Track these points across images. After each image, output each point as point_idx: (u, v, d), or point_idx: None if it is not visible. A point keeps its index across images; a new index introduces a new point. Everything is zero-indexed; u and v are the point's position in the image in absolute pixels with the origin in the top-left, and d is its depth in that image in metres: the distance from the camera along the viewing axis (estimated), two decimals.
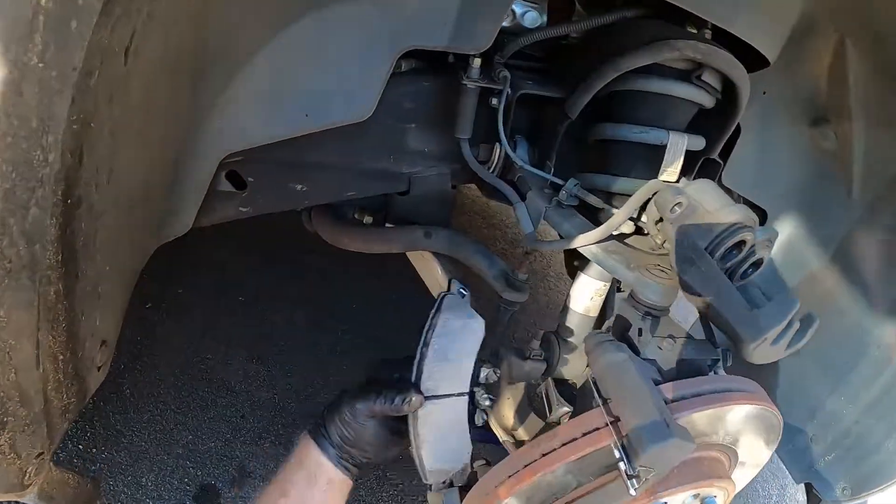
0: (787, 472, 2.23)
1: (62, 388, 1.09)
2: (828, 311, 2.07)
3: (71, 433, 2.57)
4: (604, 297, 1.82)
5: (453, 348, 1.56)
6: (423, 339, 1.55)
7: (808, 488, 2.17)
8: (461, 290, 1.71)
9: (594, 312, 1.83)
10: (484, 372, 1.72)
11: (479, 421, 1.71)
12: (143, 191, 1.24)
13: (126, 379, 2.88)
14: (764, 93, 2.02)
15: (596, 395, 1.30)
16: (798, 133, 2.12)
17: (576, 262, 1.88)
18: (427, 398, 1.50)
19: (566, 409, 1.80)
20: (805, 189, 2.19)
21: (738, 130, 2.01)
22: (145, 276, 1.48)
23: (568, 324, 1.85)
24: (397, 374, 1.60)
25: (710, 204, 1.38)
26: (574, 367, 1.84)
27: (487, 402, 1.69)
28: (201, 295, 3.41)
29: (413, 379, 1.52)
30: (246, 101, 1.35)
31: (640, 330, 1.42)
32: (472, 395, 1.63)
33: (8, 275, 0.80)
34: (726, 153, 2.07)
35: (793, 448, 2.19)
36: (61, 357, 1.03)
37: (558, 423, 1.86)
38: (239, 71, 1.31)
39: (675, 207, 1.38)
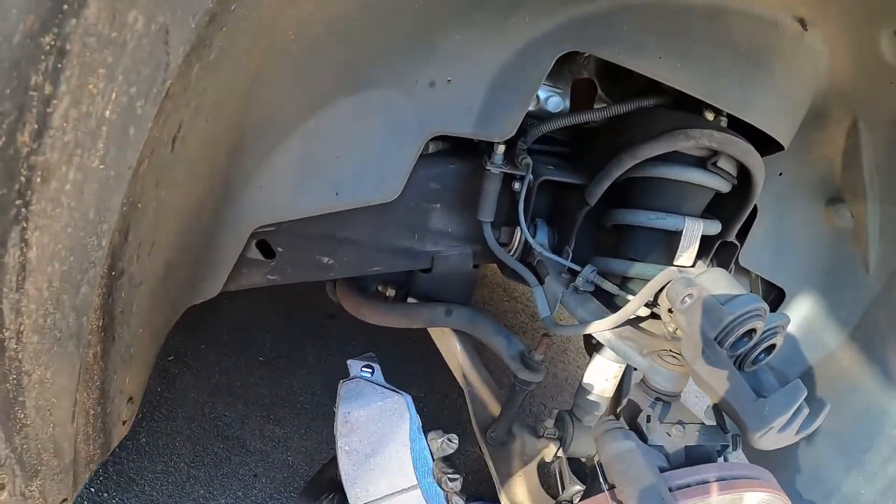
0: None
1: (90, 441, 1.13)
2: (845, 391, 2.08)
3: None
4: (619, 378, 1.85)
5: (371, 442, 1.36)
6: (336, 443, 1.36)
7: None
8: (364, 368, 1.52)
9: (609, 393, 1.86)
10: (437, 443, 1.54)
11: None
12: (179, 259, 1.30)
13: (143, 428, 2.88)
14: (780, 174, 2.07)
15: (602, 480, 1.33)
16: (814, 213, 2.16)
17: (593, 341, 1.90)
18: None
19: (578, 487, 1.82)
20: (823, 268, 2.21)
21: (755, 212, 2.05)
22: (171, 329, 1.52)
23: (582, 403, 1.87)
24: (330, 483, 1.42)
25: (720, 295, 1.41)
26: (587, 447, 1.85)
27: (453, 482, 1.46)
28: (222, 352, 3.42)
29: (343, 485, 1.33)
30: (279, 177, 1.41)
31: (648, 416, 1.45)
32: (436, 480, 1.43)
33: (57, 342, 0.85)
34: (743, 234, 2.09)
35: None
36: (92, 412, 1.08)
37: (570, 501, 1.87)
38: (274, 149, 1.38)
39: (686, 298, 1.42)
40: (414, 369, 3.78)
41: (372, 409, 1.37)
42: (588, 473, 1.81)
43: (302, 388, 3.41)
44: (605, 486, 1.33)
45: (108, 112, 0.72)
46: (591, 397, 1.84)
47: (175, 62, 0.77)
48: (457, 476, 1.41)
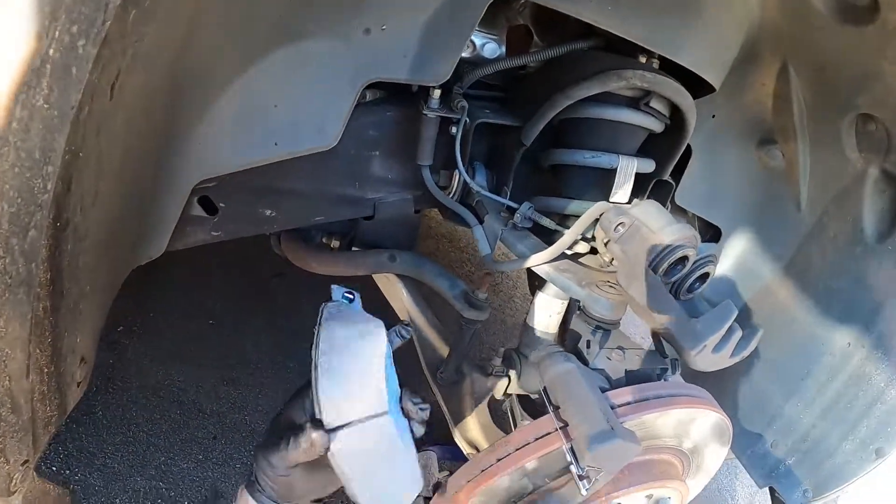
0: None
1: (46, 400, 1.14)
2: (782, 322, 2.15)
3: (45, 455, 2.57)
4: (562, 314, 1.88)
5: (349, 363, 1.29)
6: (312, 360, 1.29)
7: (772, 492, 2.21)
8: (345, 294, 1.46)
9: (553, 329, 1.88)
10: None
11: (417, 432, 1.36)
12: (122, 215, 1.30)
13: (98, 401, 2.88)
14: (713, 116, 2.11)
15: (546, 402, 1.37)
16: (747, 153, 2.22)
17: (536, 282, 1.93)
18: (333, 430, 1.23)
19: (529, 422, 1.84)
20: (756, 206, 2.29)
21: (689, 152, 2.10)
22: (117, 299, 1.51)
23: (528, 341, 1.89)
24: (301, 407, 1.35)
25: (652, 224, 1.46)
26: (535, 383, 1.86)
27: (423, 411, 1.39)
28: (172, 319, 3.42)
29: (315, 413, 1.25)
30: (218, 130, 1.42)
31: (588, 342, 1.50)
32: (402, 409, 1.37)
33: (8, 289, 0.86)
34: (678, 174, 2.15)
35: (753, 454, 2.24)
36: (46, 370, 1.09)
37: None
38: (212, 101, 1.39)
39: (619, 227, 1.46)
40: None
41: (353, 331, 1.32)
42: (538, 408, 1.84)
43: (254, 348, 3.43)
44: (549, 409, 1.37)
45: (51, 51, 0.73)
46: (535, 333, 1.87)
47: (114, 2, 0.78)
48: (426, 406, 1.38)
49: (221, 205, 1.68)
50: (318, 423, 1.22)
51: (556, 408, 1.35)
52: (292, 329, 3.61)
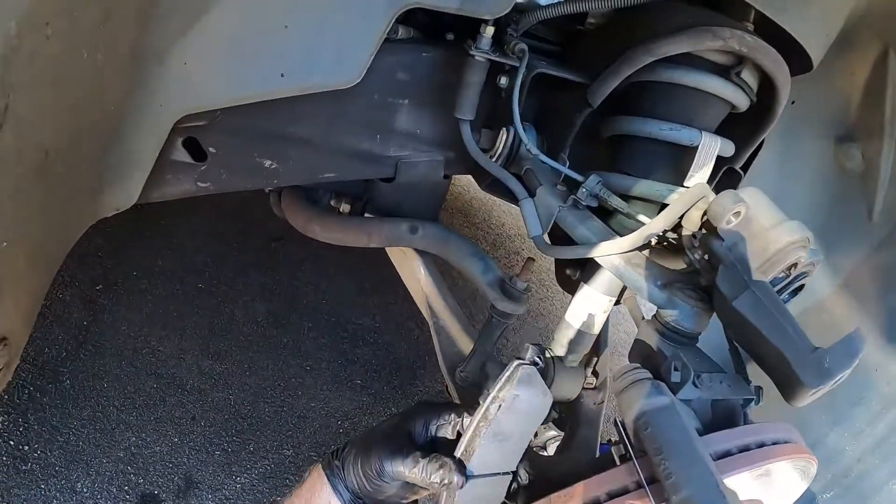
0: None
1: None
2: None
3: (2, 427, 2.39)
4: (608, 314, 1.64)
5: (515, 426, 1.30)
6: (483, 410, 1.27)
7: None
8: (537, 357, 1.39)
9: (596, 330, 1.64)
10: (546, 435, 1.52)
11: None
12: (67, 152, 1.02)
13: (67, 368, 2.65)
14: (793, 102, 1.94)
15: (627, 446, 1.08)
16: (823, 149, 2.07)
17: (569, 271, 1.70)
18: (469, 478, 1.26)
19: (553, 433, 1.72)
20: (823, 209, 2.12)
21: (761, 140, 1.87)
22: (98, 254, 1.26)
23: (565, 341, 1.65)
24: (437, 431, 1.38)
25: (765, 218, 1.20)
26: (567, 389, 1.66)
27: (526, 479, 1.41)
28: (158, 279, 3.18)
29: (458, 453, 1.27)
30: (210, 50, 1.14)
31: (675, 365, 1.19)
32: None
33: None
34: (746, 164, 1.93)
35: None
36: None
37: (544, 447, 1.82)
38: (205, 11, 1.09)
39: (731, 218, 1.17)
40: (367, 298, 3.63)
41: (534, 401, 1.30)
42: (566, 419, 1.71)
43: (245, 318, 3.21)
44: (630, 454, 1.08)
45: None
46: (575, 334, 1.62)
47: None
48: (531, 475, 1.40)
49: (211, 150, 1.40)
50: (461, 465, 1.24)
51: (641, 454, 1.06)
52: (289, 300, 3.43)
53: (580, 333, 1.62)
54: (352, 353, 3.30)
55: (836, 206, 2.07)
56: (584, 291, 1.59)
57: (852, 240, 2.03)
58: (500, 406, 1.24)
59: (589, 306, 1.59)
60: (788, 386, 1.10)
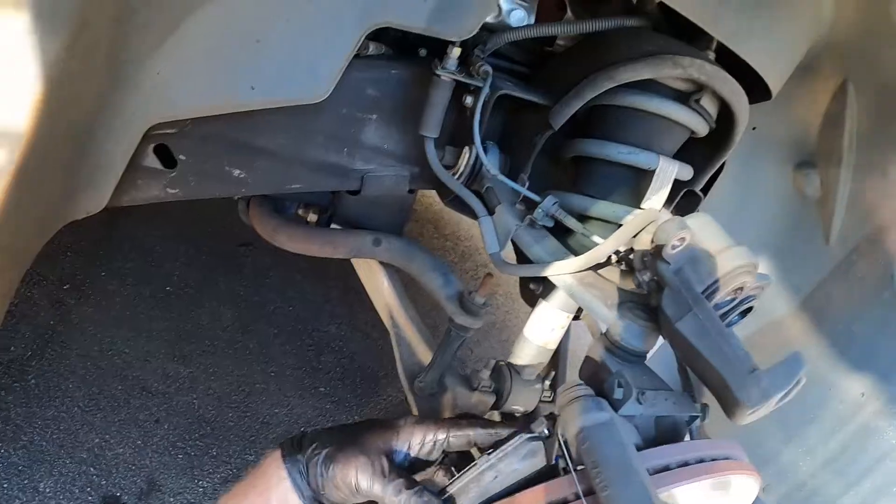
0: None
1: None
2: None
3: None
4: (565, 329, 1.69)
5: (503, 483, 1.27)
6: (477, 472, 1.25)
7: None
8: (546, 429, 1.32)
9: (553, 345, 1.70)
10: None
11: None
12: (36, 154, 1.03)
13: (33, 367, 2.66)
14: (753, 128, 1.97)
15: (567, 459, 1.12)
16: (782, 174, 2.11)
17: (532, 286, 1.73)
18: None
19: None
20: (781, 232, 2.18)
21: (721, 165, 1.92)
22: (67, 253, 1.28)
23: (522, 355, 1.70)
24: (419, 451, 1.37)
25: (712, 243, 1.25)
26: (524, 402, 1.70)
27: None
28: (126, 281, 3.18)
29: (449, 490, 1.26)
30: (183, 61, 1.16)
31: (618, 382, 1.23)
32: None
33: None
34: (707, 186, 2.00)
35: None
36: None
37: None
38: (180, 23, 1.11)
39: (677, 243, 1.21)
40: (333, 306, 3.65)
41: (528, 466, 1.27)
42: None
43: (211, 323, 3.22)
44: (570, 467, 1.12)
45: None
46: (532, 348, 1.67)
47: None
48: None
49: (181, 157, 1.41)
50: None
51: (579, 467, 1.10)
52: (256, 305, 3.44)
53: (537, 348, 1.66)
54: (316, 360, 3.30)
55: (795, 230, 2.12)
56: (542, 307, 1.63)
57: (810, 262, 2.07)
58: (496, 477, 1.24)
59: (546, 322, 1.63)
60: (728, 405, 1.14)
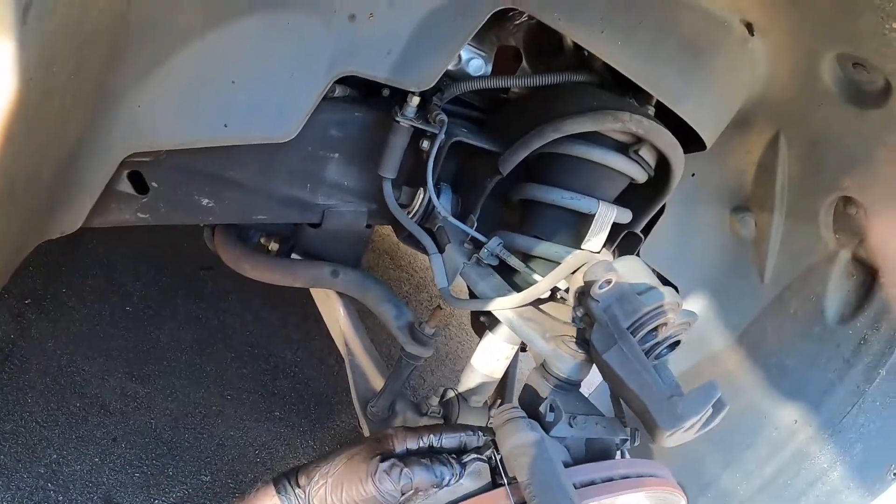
0: None
1: None
2: (727, 391, 2.08)
3: None
4: (510, 360, 1.78)
5: (448, 498, 1.32)
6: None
7: None
8: (493, 453, 1.36)
9: (498, 374, 1.79)
10: None
11: None
12: (30, 178, 1.12)
13: None
14: (693, 175, 2.09)
15: (503, 474, 1.23)
16: (719, 217, 2.21)
17: (482, 319, 1.83)
18: None
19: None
20: (719, 271, 2.27)
21: (662, 207, 2.05)
22: (30, 268, 1.34)
23: (470, 383, 1.78)
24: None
25: (637, 283, 1.36)
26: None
27: None
28: (86, 299, 3.15)
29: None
30: (162, 97, 1.25)
31: (550, 406, 1.35)
32: None
33: None
34: (648, 228, 2.10)
35: None
36: None
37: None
38: (161, 62, 1.21)
39: (604, 283, 1.33)
40: (290, 332, 3.65)
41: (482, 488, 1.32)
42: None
43: (170, 344, 3.20)
44: (504, 481, 1.24)
45: None
46: (479, 377, 1.76)
47: None
48: None
49: (154, 184, 1.50)
50: None
51: (512, 480, 1.21)
52: (214, 329, 3.42)
53: (484, 377, 1.76)
54: (272, 385, 3.31)
55: (732, 269, 2.22)
56: (488, 339, 1.74)
57: (746, 300, 2.16)
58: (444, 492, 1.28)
59: (492, 353, 1.74)
60: (649, 428, 1.25)
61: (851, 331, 1.86)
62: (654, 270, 2.18)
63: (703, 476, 2.18)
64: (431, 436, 1.37)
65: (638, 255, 2.11)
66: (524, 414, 1.30)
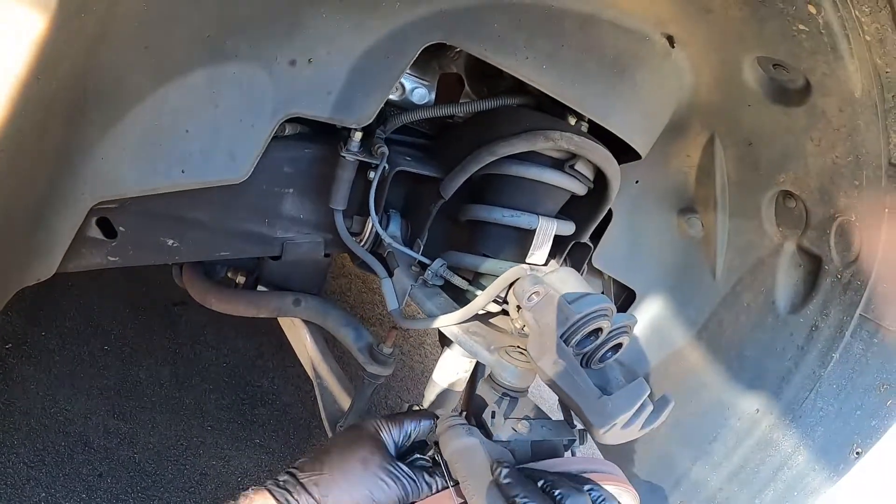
0: None
1: None
2: (692, 386, 2.20)
3: None
4: (469, 373, 1.84)
5: None
6: None
7: None
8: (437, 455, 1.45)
9: (459, 387, 1.85)
10: None
11: None
12: (7, 233, 1.21)
13: None
14: (637, 182, 2.16)
15: (447, 477, 1.32)
16: (667, 220, 2.28)
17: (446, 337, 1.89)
18: None
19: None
20: (672, 272, 2.34)
21: (610, 215, 2.14)
22: (9, 313, 1.41)
23: (432, 397, 1.86)
24: None
25: (568, 294, 1.42)
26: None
27: None
28: (65, 340, 3.23)
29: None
30: (122, 149, 1.33)
31: (493, 412, 1.44)
32: None
33: None
34: (598, 236, 2.17)
35: None
36: None
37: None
38: (119, 119, 1.30)
39: (533, 296, 1.42)
40: (266, 361, 3.72)
41: None
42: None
43: (149, 380, 3.27)
44: (449, 483, 1.33)
45: None
46: (440, 392, 1.84)
47: None
48: None
49: (121, 229, 1.58)
50: None
51: (456, 483, 1.30)
52: (191, 362, 3.49)
53: (444, 390, 1.84)
54: (251, 413, 3.36)
55: (685, 269, 2.28)
56: (446, 354, 1.81)
57: (701, 297, 2.22)
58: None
59: (451, 367, 1.82)
60: (587, 427, 1.34)
61: (802, 319, 1.91)
62: (611, 277, 2.31)
63: (675, 471, 2.22)
64: (411, 423, 1.46)
65: (590, 262, 2.20)
66: (464, 421, 1.39)
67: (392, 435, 1.43)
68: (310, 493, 1.29)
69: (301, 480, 1.32)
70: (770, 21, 1.41)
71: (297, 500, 1.28)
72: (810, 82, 1.52)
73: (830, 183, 1.70)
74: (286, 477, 1.34)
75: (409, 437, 1.46)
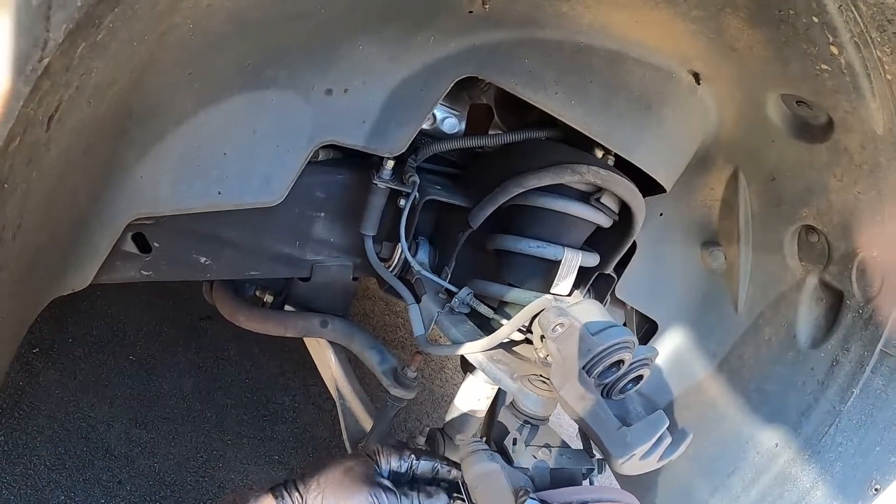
0: None
1: None
2: (711, 419, 2.19)
3: None
4: (491, 399, 1.86)
5: None
6: None
7: None
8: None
9: (480, 413, 1.86)
10: None
11: None
12: (47, 246, 1.24)
13: (2, 425, 2.71)
14: (661, 214, 2.18)
15: (467, 500, 1.34)
16: (690, 253, 2.28)
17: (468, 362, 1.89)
18: None
19: None
20: (695, 304, 2.34)
21: (633, 247, 2.14)
22: (37, 319, 1.44)
23: (454, 422, 1.86)
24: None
25: (591, 325, 1.45)
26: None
27: None
28: (91, 348, 3.26)
29: None
30: (162, 169, 1.37)
31: (514, 439, 1.47)
32: None
33: None
34: (622, 267, 2.18)
35: None
36: None
37: None
38: (160, 139, 1.34)
39: (558, 327, 1.45)
40: (288, 379, 3.72)
41: None
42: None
43: (171, 391, 3.29)
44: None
45: None
46: (462, 417, 1.84)
47: (55, 40, 0.74)
48: None
49: (156, 244, 1.63)
50: None
51: None
52: (214, 375, 3.50)
53: (466, 415, 1.84)
54: (271, 430, 3.35)
55: (707, 301, 2.29)
56: (469, 380, 1.83)
57: (723, 330, 2.22)
58: None
59: (473, 393, 1.82)
60: (606, 457, 1.37)
61: (823, 353, 1.90)
62: (634, 309, 2.32)
63: (692, 503, 2.21)
64: (412, 457, 1.47)
65: (613, 293, 2.20)
66: (486, 447, 1.42)
67: (390, 461, 1.46)
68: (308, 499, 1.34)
69: (304, 485, 1.37)
70: (793, 60, 1.42)
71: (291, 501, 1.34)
72: (833, 120, 1.54)
73: (852, 218, 1.71)
74: (289, 483, 1.39)
75: (406, 470, 1.49)
